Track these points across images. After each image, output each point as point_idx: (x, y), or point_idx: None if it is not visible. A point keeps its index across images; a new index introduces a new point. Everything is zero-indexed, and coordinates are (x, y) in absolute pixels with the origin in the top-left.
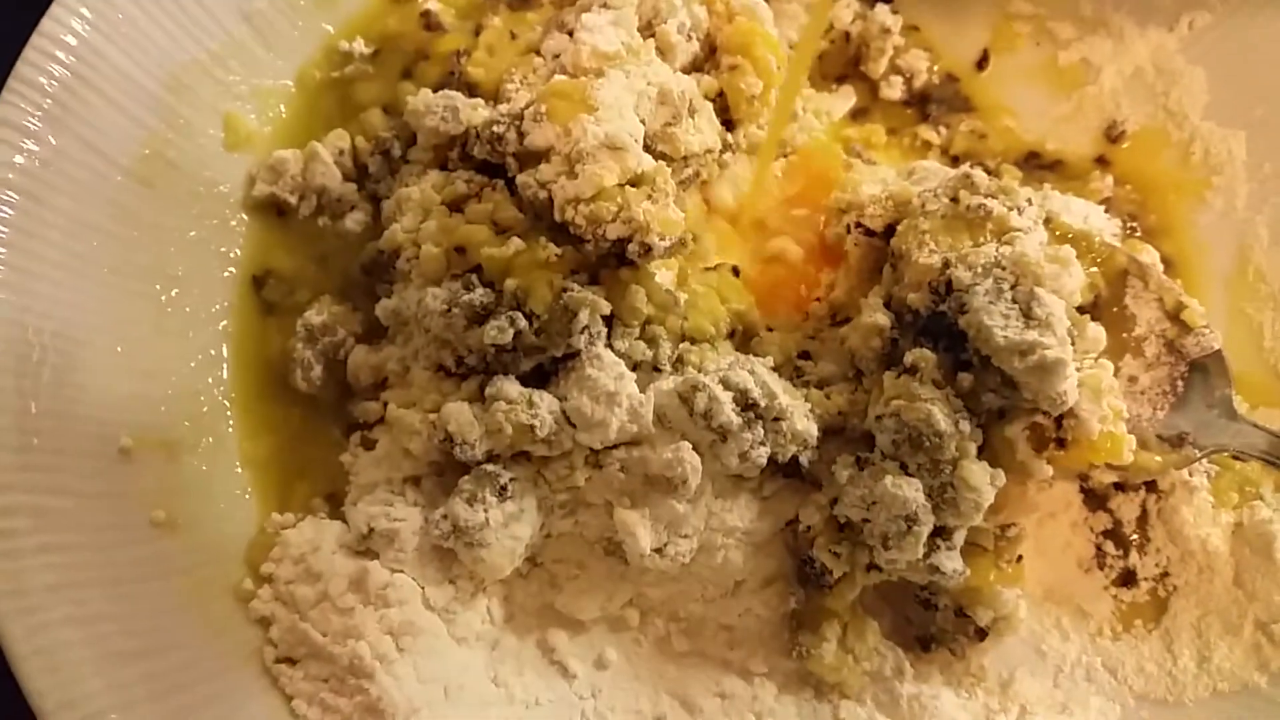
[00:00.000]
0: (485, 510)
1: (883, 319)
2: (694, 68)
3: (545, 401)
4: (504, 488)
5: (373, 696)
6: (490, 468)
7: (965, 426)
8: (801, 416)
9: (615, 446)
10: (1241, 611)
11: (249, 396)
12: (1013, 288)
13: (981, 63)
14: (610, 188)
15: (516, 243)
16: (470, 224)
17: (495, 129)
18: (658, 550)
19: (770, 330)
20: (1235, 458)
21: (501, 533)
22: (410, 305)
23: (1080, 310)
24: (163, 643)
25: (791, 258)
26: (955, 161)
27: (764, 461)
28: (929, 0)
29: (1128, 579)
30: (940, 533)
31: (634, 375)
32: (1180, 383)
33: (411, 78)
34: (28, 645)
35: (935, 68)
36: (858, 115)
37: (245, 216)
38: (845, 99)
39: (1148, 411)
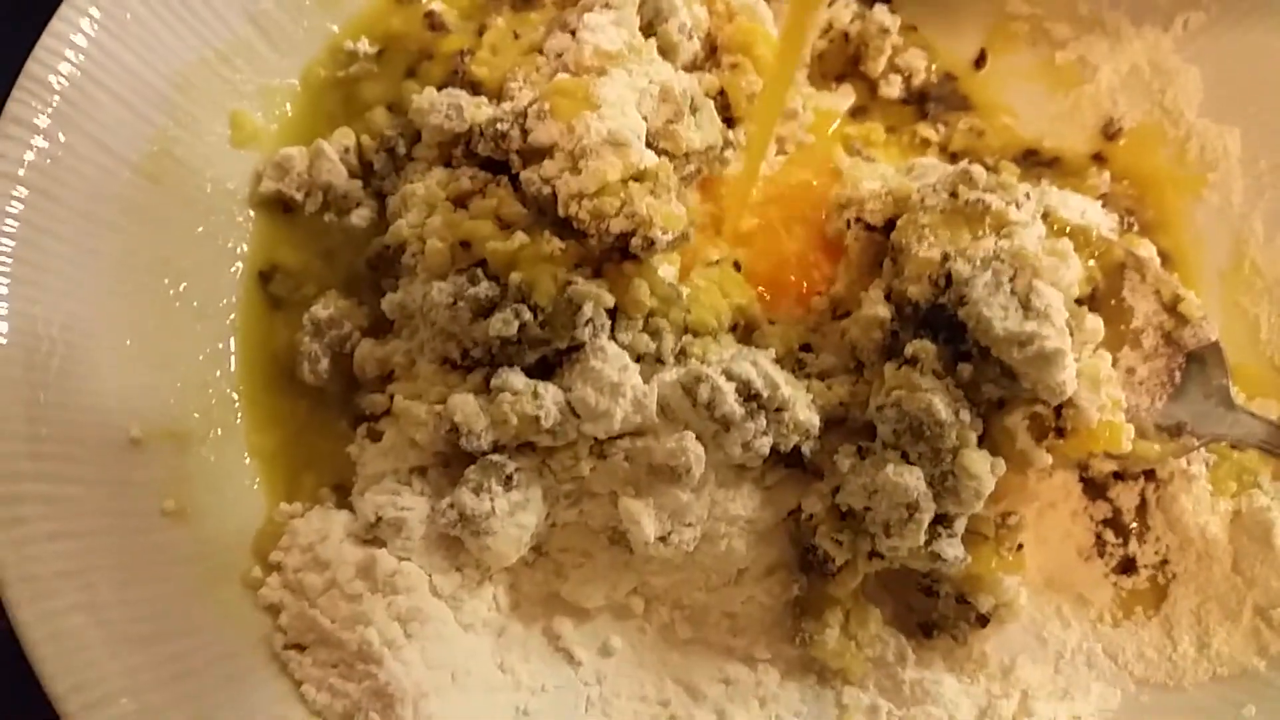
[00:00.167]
0: (491, 499)
1: (883, 311)
2: (695, 66)
3: (550, 393)
4: (509, 477)
5: (381, 681)
6: (496, 458)
7: (965, 416)
8: (803, 407)
9: (619, 437)
10: (1240, 597)
11: (257, 389)
12: (1011, 280)
13: (979, 62)
14: (613, 183)
15: (521, 237)
16: (475, 219)
17: (499, 126)
18: (662, 539)
19: (772, 324)
20: (1233, 447)
21: (507, 521)
22: (416, 299)
23: (1078, 303)
24: (173, 629)
25: (789, 252)
26: (954, 159)
27: (766, 451)
28: (927, 0)
29: (1128, 566)
30: (941, 520)
31: (638, 367)
32: (1178, 374)
33: (416, 77)
34: (40, 630)
35: (933, 67)
36: (857, 114)
37: (252, 212)
38: (844, 98)
39: (1146, 402)
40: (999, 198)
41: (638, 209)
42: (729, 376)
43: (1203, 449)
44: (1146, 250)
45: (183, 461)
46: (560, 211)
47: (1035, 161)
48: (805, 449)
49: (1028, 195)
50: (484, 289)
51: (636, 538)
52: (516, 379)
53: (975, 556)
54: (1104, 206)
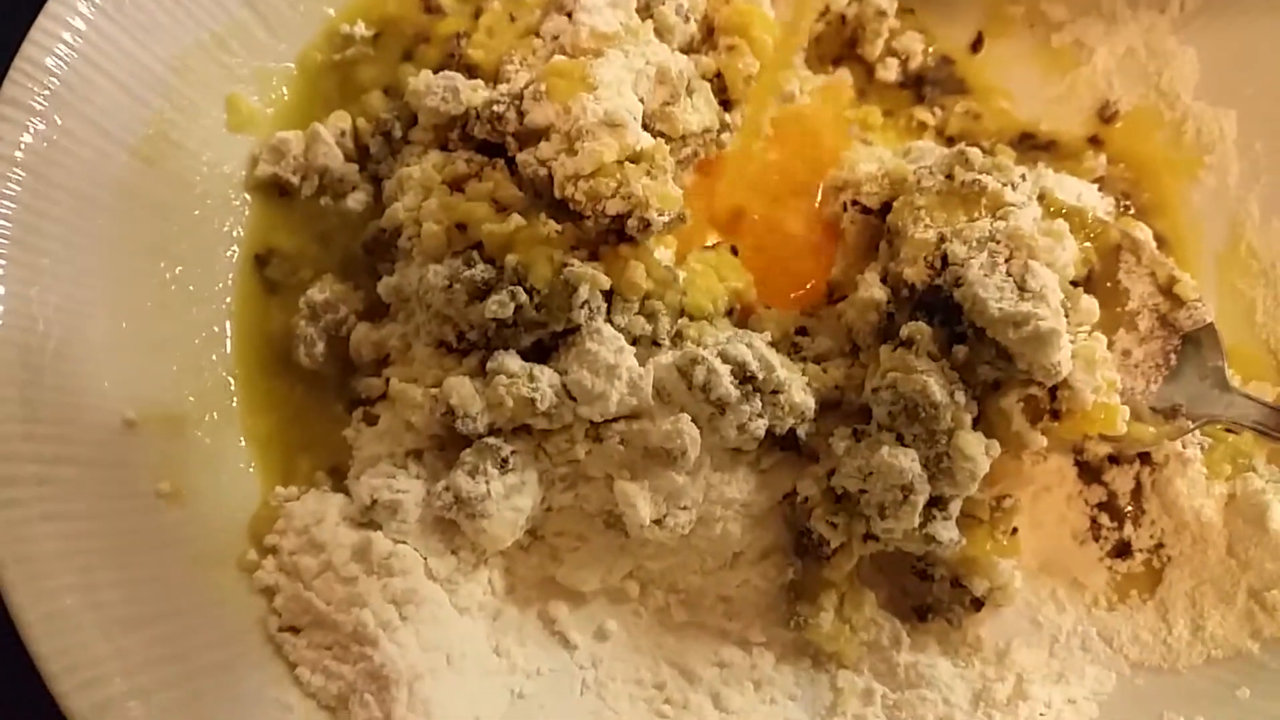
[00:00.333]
0: (487, 482)
1: (879, 293)
2: (692, 48)
3: (546, 375)
4: (505, 460)
5: (376, 663)
6: (492, 440)
7: (961, 398)
8: (799, 389)
9: (615, 420)
10: (1235, 580)
11: (252, 372)
12: (1007, 261)
13: (976, 45)
14: (610, 164)
15: (517, 219)
16: (471, 202)
17: (495, 108)
18: (657, 522)
19: (768, 308)
20: (1228, 430)
21: (503, 504)
22: (412, 282)
23: (1074, 284)
24: (167, 610)
25: (785, 236)
26: (950, 142)
27: (762, 434)
28: None
29: (1123, 550)
30: (936, 503)
31: (633, 349)
32: (1173, 356)
33: (412, 60)
34: (34, 611)
35: (930, 50)
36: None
37: (248, 196)
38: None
39: (1141, 384)
40: (995, 179)
41: (634, 190)
42: (724, 359)
43: (1198, 432)
44: (1142, 232)
45: (178, 444)
46: (556, 193)
47: (1032, 145)
48: (801, 432)
49: (1023, 177)
50: (480, 272)
51: (632, 521)
52: (512, 362)
53: (970, 540)
54: (1100, 189)
